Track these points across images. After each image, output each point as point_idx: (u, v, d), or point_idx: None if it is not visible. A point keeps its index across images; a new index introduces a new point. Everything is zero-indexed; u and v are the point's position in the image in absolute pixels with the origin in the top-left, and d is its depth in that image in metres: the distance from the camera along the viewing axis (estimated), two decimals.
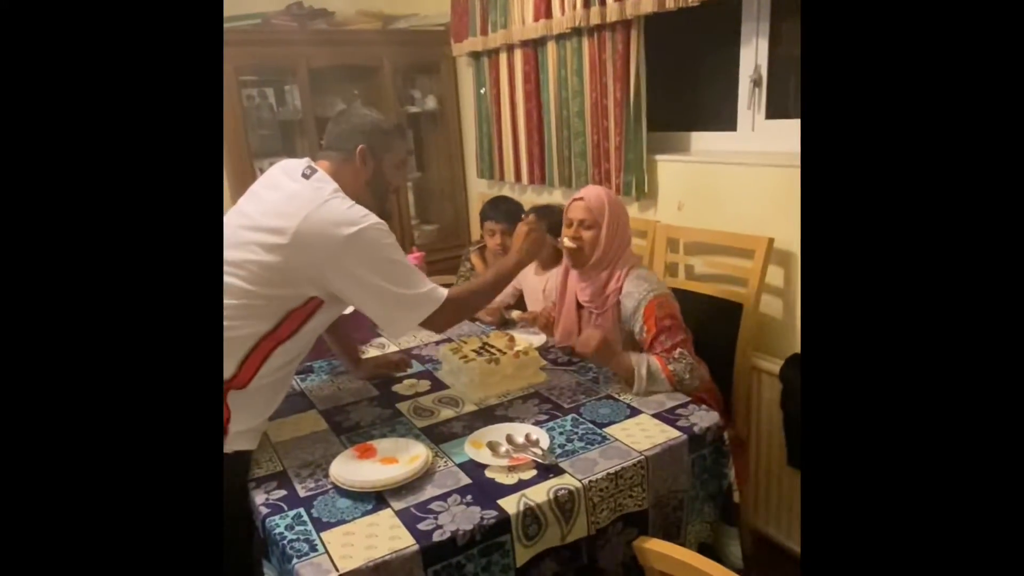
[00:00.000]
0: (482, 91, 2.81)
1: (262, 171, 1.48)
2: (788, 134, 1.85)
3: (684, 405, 1.38)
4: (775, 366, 1.73)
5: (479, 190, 3.10)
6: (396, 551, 0.99)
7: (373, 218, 1.23)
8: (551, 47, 2.36)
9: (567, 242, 1.57)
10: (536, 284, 2.03)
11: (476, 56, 2.80)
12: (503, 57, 2.61)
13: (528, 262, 1.46)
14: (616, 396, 1.44)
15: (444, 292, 1.29)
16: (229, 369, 1.18)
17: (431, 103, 3.14)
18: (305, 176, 1.26)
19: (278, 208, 1.21)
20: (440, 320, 1.31)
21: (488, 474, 1.17)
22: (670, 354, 1.46)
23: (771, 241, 1.75)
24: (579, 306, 1.65)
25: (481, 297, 1.43)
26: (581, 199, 1.58)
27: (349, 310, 1.69)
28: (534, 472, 1.17)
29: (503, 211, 2.16)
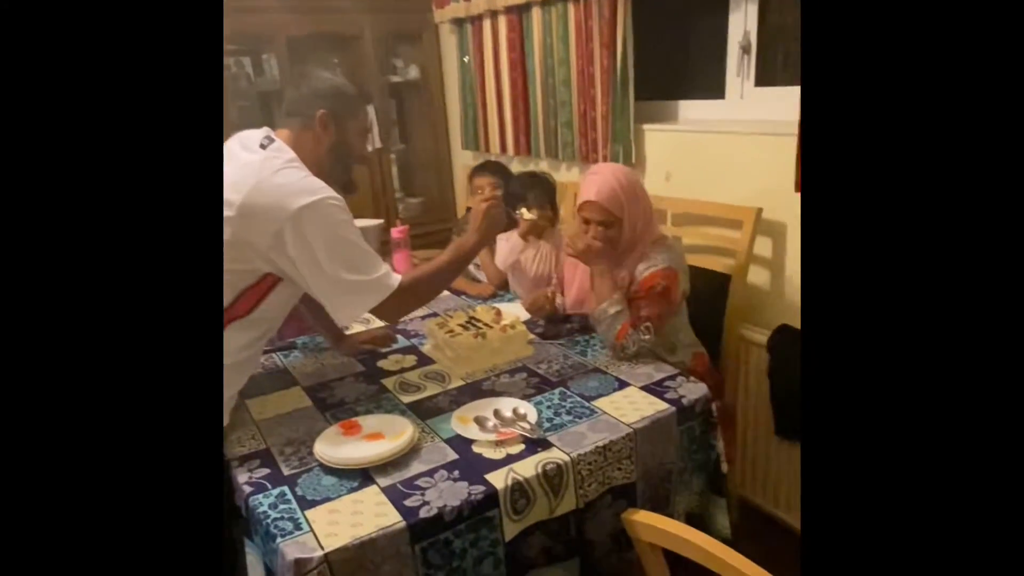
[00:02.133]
0: (465, 59, 2.75)
1: None
2: (777, 102, 1.82)
3: (672, 377, 1.37)
4: (763, 337, 1.73)
5: (464, 162, 3.05)
6: (382, 528, 0.97)
7: (329, 191, 1.16)
8: (536, 13, 2.30)
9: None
10: (528, 252, 1.98)
11: (459, 23, 2.73)
12: (487, 24, 2.54)
13: (488, 240, 1.38)
14: (604, 369, 1.43)
15: (397, 279, 1.22)
16: None
17: (413, 72, 3.06)
18: (263, 147, 1.20)
19: (229, 179, 1.14)
20: (392, 309, 1.24)
21: (475, 449, 1.16)
22: (637, 324, 1.43)
23: (759, 211, 1.73)
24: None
25: (438, 282, 1.35)
26: (594, 201, 1.46)
27: None
28: (522, 446, 1.16)
29: (490, 166, 2.15)
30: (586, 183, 1.50)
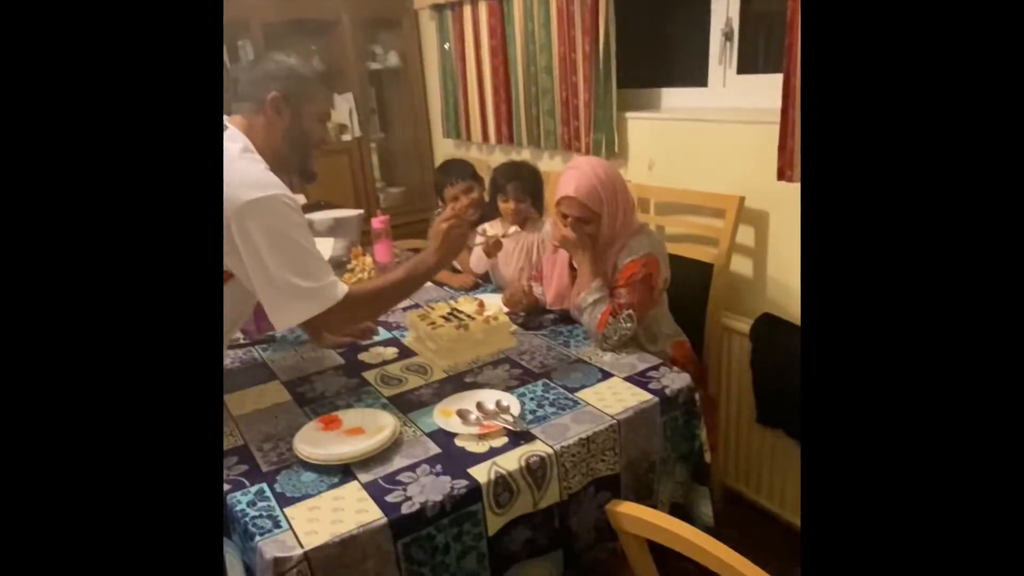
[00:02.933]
0: (446, 46, 2.71)
1: None
2: (759, 89, 1.82)
3: (655, 368, 1.37)
4: (745, 326, 1.73)
5: (446, 150, 3.02)
6: (364, 525, 0.96)
7: (282, 189, 1.12)
8: None
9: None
10: (507, 245, 1.96)
11: (439, 9, 2.69)
12: (467, 10, 2.50)
13: (447, 264, 1.32)
14: (588, 360, 1.42)
15: (344, 289, 1.17)
16: None
17: (393, 59, 3.02)
18: None
19: None
20: (335, 319, 1.19)
21: (458, 443, 1.15)
22: (619, 311, 1.43)
23: (742, 200, 1.73)
24: (572, 268, 1.60)
25: (387, 299, 1.29)
26: (573, 196, 1.44)
27: None
28: (505, 439, 1.15)
29: (455, 172, 2.09)
30: (565, 177, 1.48)
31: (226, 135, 1.16)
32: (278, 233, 1.10)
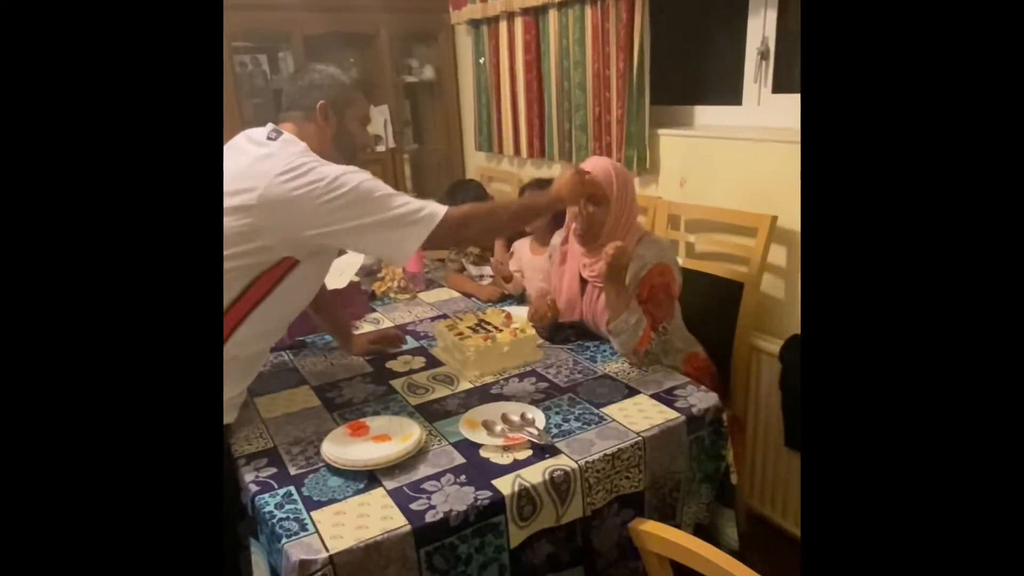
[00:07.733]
0: (481, 61, 2.75)
1: None
2: (795, 109, 1.80)
3: (683, 386, 1.36)
4: (775, 346, 1.71)
5: (477, 163, 3.05)
6: (388, 531, 0.97)
7: (348, 167, 1.18)
8: (553, 15, 2.29)
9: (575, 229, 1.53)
10: (536, 263, 1.98)
11: (475, 24, 2.72)
12: (503, 25, 2.54)
13: (564, 204, 1.43)
14: (614, 376, 1.42)
15: (442, 208, 1.23)
16: None
17: (428, 72, 3.07)
18: (271, 139, 1.21)
19: (246, 170, 1.15)
20: (447, 233, 1.23)
21: (483, 454, 1.15)
22: (656, 327, 1.44)
23: (774, 219, 1.71)
24: (582, 279, 1.61)
25: (500, 220, 1.38)
26: (588, 172, 1.50)
27: (340, 284, 1.66)
28: (529, 452, 1.15)
29: (460, 196, 2.15)
30: (583, 163, 1.56)
31: (282, 139, 1.22)
32: (359, 198, 1.16)
